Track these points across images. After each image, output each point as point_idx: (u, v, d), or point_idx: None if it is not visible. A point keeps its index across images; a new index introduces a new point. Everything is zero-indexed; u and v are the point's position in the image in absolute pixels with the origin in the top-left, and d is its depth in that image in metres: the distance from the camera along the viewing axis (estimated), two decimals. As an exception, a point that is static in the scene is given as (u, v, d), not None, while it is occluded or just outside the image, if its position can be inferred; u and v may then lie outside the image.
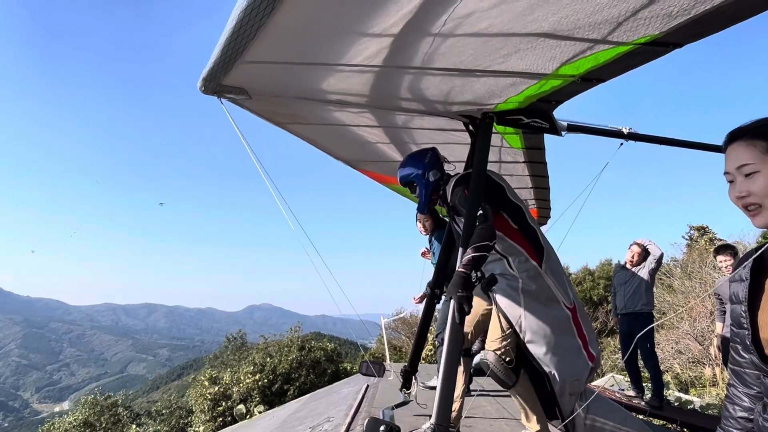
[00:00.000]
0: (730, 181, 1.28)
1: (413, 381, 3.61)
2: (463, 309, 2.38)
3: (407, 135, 3.68)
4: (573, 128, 3.33)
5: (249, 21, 1.65)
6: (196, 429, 13.35)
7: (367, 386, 5.29)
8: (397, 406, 3.58)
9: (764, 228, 1.26)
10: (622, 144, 3.58)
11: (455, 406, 3.26)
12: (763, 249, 1.31)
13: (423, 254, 5.58)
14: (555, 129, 2.89)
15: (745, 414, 1.34)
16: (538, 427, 2.94)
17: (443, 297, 3.57)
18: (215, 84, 2.35)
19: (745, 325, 1.25)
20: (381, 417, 3.27)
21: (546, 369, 2.75)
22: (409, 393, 3.63)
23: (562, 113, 2.88)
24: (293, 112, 3.16)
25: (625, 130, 3.52)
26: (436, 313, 3.56)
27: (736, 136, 1.27)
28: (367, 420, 2.40)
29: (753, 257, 1.30)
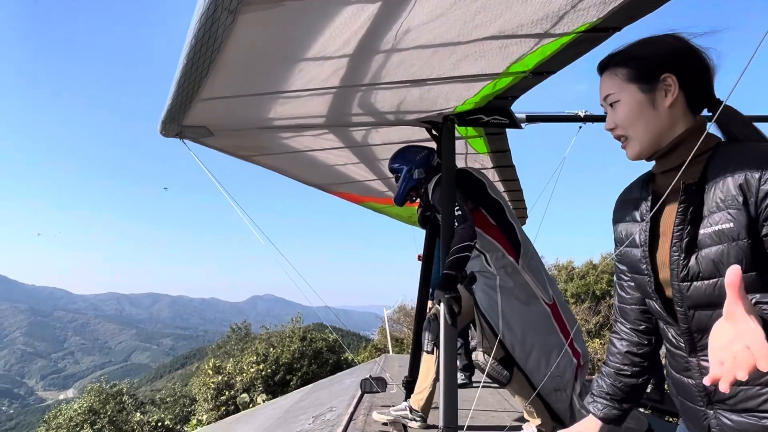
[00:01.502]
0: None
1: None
2: (453, 310, 2.48)
3: (373, 152, 3.74)
4: (532, 119, 3.46)
5: (200, 58, 1.66)
6: (200, 417, 13.48)
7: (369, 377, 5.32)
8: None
9: (635, 159, 1.20)
10: (581, 127, 3.73)
11: (425, 394, 3.32)
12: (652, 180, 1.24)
13: (419, 258, 5.69)
14: (515, 123, 2.99)
15: (627, 349, 1.34)
16: (539, 421, 2.97)
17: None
18: (176, 125, 2.36)
19: (646, 271, 1.18)
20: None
21: (522, 365, 2.80)
22: None
23: (522, 106, 3.02)
24: (256, 144, 3.22)
25: (582, 114, 3.64)
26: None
27: (602, 66, 1.23)
28: None
29: (659, 200, 1.19)
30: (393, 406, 3.59)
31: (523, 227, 3.26)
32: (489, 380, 2.94)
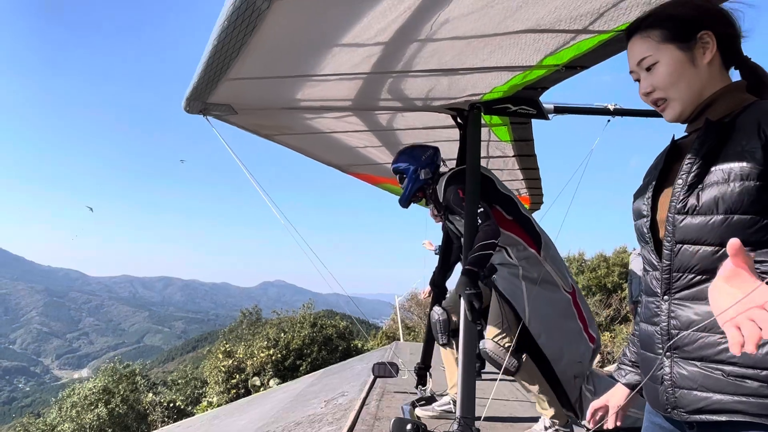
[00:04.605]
0: (637, 80, 1.22)
1: (428, 378, 3.68)
2: (474, 306, 2.48)
3: (395, 136, 3.70)
4: (560, 110, 3.38)
5: (230, 40, 1.62)
6: (210, 399, 13.70)
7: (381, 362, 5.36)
8: (414, 404, 3.64)
9: (676, 121, 1.19)
10: (609, 120, 3.64)
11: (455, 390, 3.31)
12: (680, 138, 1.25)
13: (424, 245, 5.79)
14: (542, 114, 2.94)
15: None
16: (552, 412, 2.95)
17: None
18: (201, 103, 2.35)
19: (645, 212, 1.19)
20: (402, 414, 3.34)
21: (548, 353, 2.80)
22: (425, 389, 3.70)
23: (548, 96, 2.94)
24: (279, 124, 3.20)
25: (611, 107, 3.57)
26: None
27: (631, 31, 1.21)
28: (392, 420, 2.47)
29: (670, 144, 1.24)
30: (406, 392, 3.60)
31: (541, 219, 3.24)
32: (498, 370, 2.93)
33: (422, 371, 3.70)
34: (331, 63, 2.08)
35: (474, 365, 2.58)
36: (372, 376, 4.59)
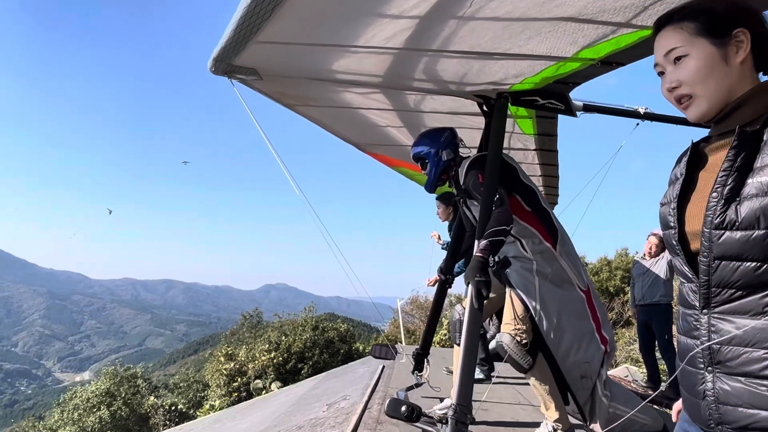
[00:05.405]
0: (661, 73, 1.16)
1: (425, 364, 3.67)
2: (482, 294, 2.44)
3: (418, 118, 3.65)
4: (588, 108, 3.32)
5: (265, 0, 1.60)
6: (212, 403, 13.68)
7: (383, 367, 5.35)
8: (410, 388, 3.65)
9: (698, 120, 1.13)
10: (638, 124, 3.58)
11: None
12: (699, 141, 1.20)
13: (432, 235, 5.70)
14: (570, 110, 2.88)
15: None
16: (557, 415, 2.92)
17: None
18: (226, 64, 2.33)
19: (672, 224, 1.15)
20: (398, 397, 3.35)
21: (554, 351, 2.79)
22: (421, 375, 3.70)
23: (577, 93, 2.88)
24: (303, 94, 3.15)
25: (641, 110, 3.50)
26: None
27: (663, 22, 1.16)
28: (388, 401, 2.46)
29: (689, 151, 1.19)
30: (403, 392, 3.59)
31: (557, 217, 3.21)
32: (503, 375, 2.93)
33: (420, 357, 3.68)
34: (363, 34, 2.04)
35: (475, 354, 2.55)
36: (374, 380, 4.59)
